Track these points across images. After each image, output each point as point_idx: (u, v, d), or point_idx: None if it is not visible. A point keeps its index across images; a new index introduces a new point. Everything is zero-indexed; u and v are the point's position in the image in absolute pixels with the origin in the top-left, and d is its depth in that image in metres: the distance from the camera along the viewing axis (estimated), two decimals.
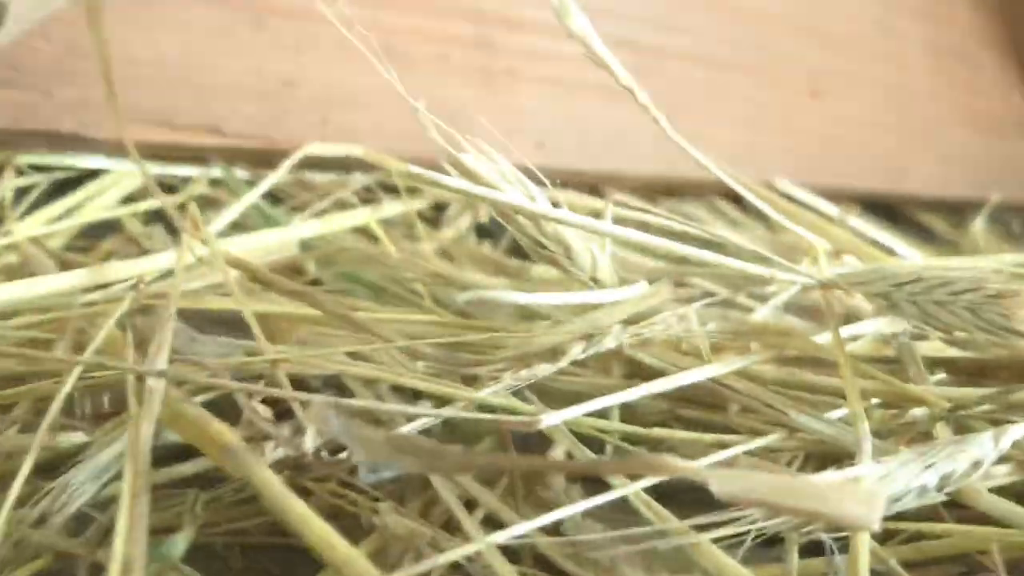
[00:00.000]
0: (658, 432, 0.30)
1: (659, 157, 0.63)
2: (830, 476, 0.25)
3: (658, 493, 0.28)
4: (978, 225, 0.72)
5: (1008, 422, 0.28)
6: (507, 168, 0.30)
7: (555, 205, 0.31)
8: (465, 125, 0.55)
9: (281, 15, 0.52)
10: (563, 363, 0.30)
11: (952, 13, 0.82)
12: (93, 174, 0.48)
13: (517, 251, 0.52)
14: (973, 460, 0.28)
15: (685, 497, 0.30)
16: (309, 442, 0.25)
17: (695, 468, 0.20)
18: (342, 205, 0.49)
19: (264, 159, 0.50)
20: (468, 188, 0.28)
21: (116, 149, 0.48)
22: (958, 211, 0.77)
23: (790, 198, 0.63)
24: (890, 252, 0.54)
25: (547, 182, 0.32)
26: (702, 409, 0.33)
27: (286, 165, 0.46)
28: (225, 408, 0.28)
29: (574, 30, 0.30)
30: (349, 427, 0.21)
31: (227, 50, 0.51)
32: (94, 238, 0.46)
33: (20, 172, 0.46)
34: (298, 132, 0.51)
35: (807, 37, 0.72)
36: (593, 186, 0.60)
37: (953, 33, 0.81)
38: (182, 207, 0.35)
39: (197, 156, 0.51)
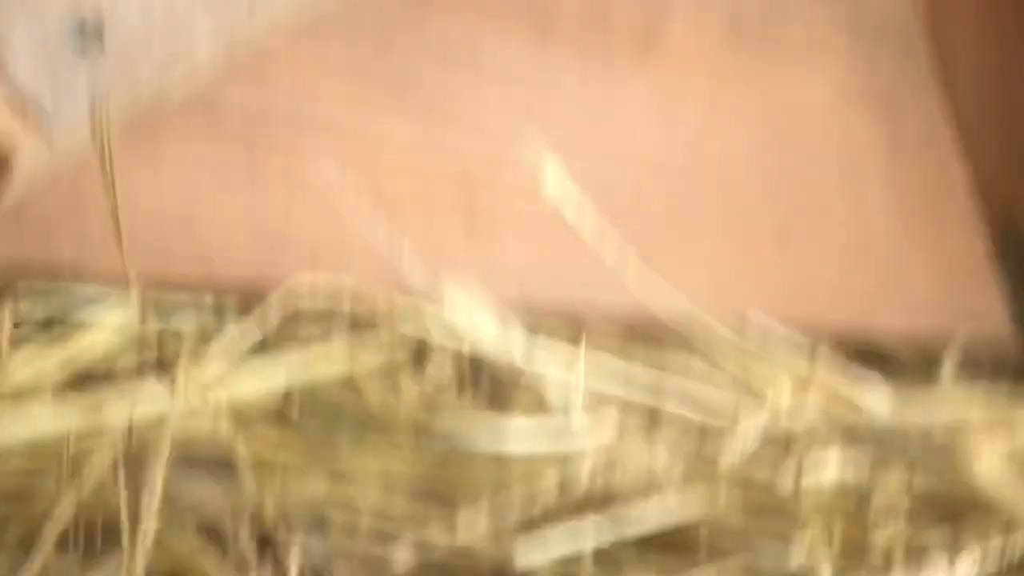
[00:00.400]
0: None
1: (635, 300, 0.65)
2: None
3: None
4: (945, 366, 0.74)
5: (963, 558, 0.30)
6: (485, 309, 0.31)
7: (532, 342, 0.33)
8: (447, 265, 0.57)
9: (275, 169, 0.55)
10: (537, 505, 0.32)
11: (916, 159, 0.86)
12: (88, 320, 0.49)
13: (497, 400, 0.53)
14: None
15: None
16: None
17: None
18: (326, 354, 0.51)
19: (255, 295, 0.51)
20: (452, 337, 0.30)
21: (111, 292, 0.49)
22: (927, 350, 0.79)
23: (762, 333, 0.65)
24: (858, 387, 0.56)
25: (524, 325, 0.34)
26: (671, 550, 0.34)
27: (273, 306, 0.48)
28: (214, 544, 0.29)
29: (547, 178, 0.33)
30: (332, 560, 0.22)
31: (223, 201, 0.53)
32: (89, 384, 0.47)
33: (16, 323, 0.48)
34: (289, 273, 0.52)
35: (774, 191, 0.75)
36: (570, 329, 0.62)
37: (915, 186, 0.85)
38: (177, 353, 0.37)
39: (191, 290, 0.52)
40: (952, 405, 0.51)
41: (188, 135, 0.53)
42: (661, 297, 0.57)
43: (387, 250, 0.56)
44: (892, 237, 0.81)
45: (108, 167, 0.35)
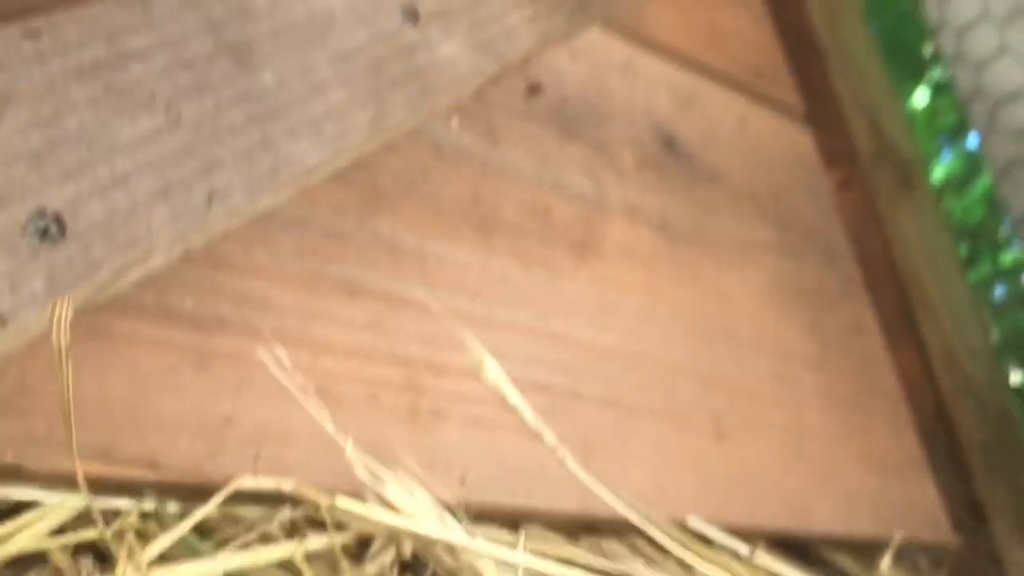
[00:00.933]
0: None
1: (577, 495, 0.66)
2: None
3: None
4: (885, 564, 0.75)
5: None
6: (427, 501, 0.33)
7: (472, 537, 0.34)
8: (391, 461, 0.58)
9: (224, 358, 0.56)
10: None
11: (843, 365, 0.90)
12: (20, 508, 0.49)
13: None
14: None
15: None
16: None
17: None
18: (268, 539, 0.51)
19: (197, 493, 0.51)
20: (389, 519, 0.31)
21: (52, 481, 0.50)
22: (865, 549, 0.80)
23: (701, 536, 0.66)
24: None
25: (466, 518, 0.35)
26: None
27: (217, 498, 0.48)
28: None
29: (488, 380, 0.35)
30: None
31: (170, 389, 0.54)
32: (20, 569, 0.47)
33: None
34: (231, 467, 0.53)
35: (711, 385, 0.78)
36: (513, 521, 0.63)
37: (845, 383, 0.89)
38: (117, 537, 0.37)
39: (132, 489, 0.53)
40: None
41: (139, 317, 0.54)
42: (602, 493, 0.58)
43: (331, 442, 0.57)
44: (826, 433, 0.83)
45: (63, 364, 0.36)
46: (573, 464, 0.35)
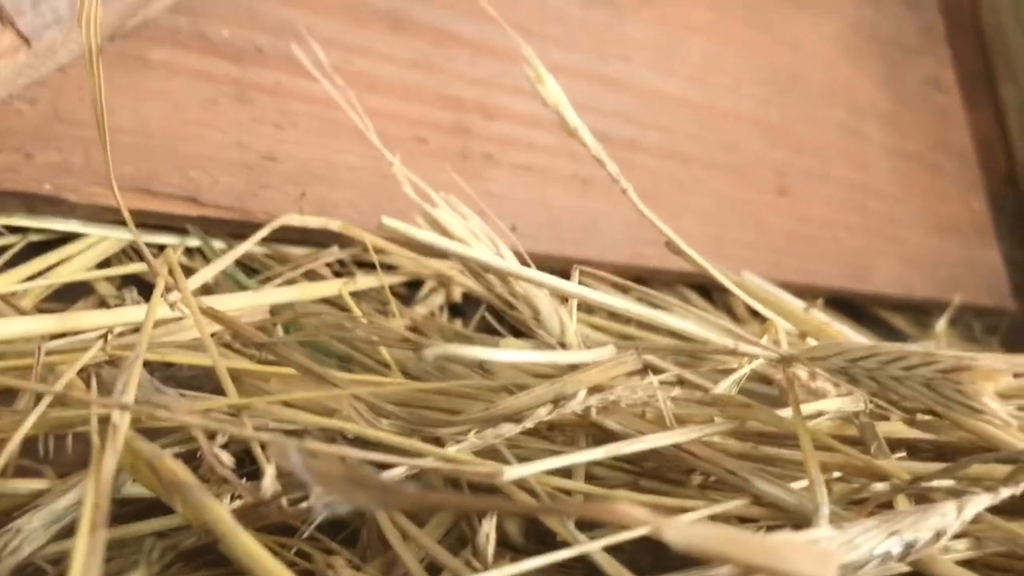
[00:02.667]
0: (621, 494, 0.30)
1: (629, 246, 0.64)
2: (788, 536, 0.26)
3: (616, 559, 0.28)
4: (940, 326, 0.73)
5: (968, 494, 0.29)
6: (478, 226, 0.30)
7: (527, 269, 0.32)
8: (431, 208, 0.56)
9: (264, 91, 0.53)
10: (528, 424, 0.31)
11: (915, 120, 0.85)
12: (68, 238, 0.48)
13: (488, 331, 0.53)
14: (935, 530, 0.28)
15: (642, 561, 0.30)
16: (268, 485, 0.25)
17: (652, 517, 0.20)
18: (315, 277, 0.50)
19: (241, 230, 0.50)
20: (439, 242, 0.29)
21: (92, 213, 0.48)
22: (921, 311, 0.78)
23: (756, 292, 0.64)
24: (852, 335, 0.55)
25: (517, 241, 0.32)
26: (665, 481, 0.34)
27: (260, 233, 0.47)
28: (190, 464, 0.28)
29: (547, 99, 0.31)
30: (307, 461, 0.21)
31: (210, 122, 0.51)
32: (66, 300, 0.46)
33: None
34: (276, 205, 0.52)
35: (775, 138, 0.74)
36: (564, 271, 0.61)
37: (916, 140, 0.84)
38: (162, 269, 0.35)
39: (174, 225, 0.51)
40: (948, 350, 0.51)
41: (175, 48, 0.51)
42: (657, 245, 0.56)
43: (378, 182, 0.55)
44: (891, 191, 0.80)
45: (96, 75, 0.33)
46: (635, 197, 0.33)
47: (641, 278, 0.66)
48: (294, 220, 0.50)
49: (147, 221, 0.50)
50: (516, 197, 0.62)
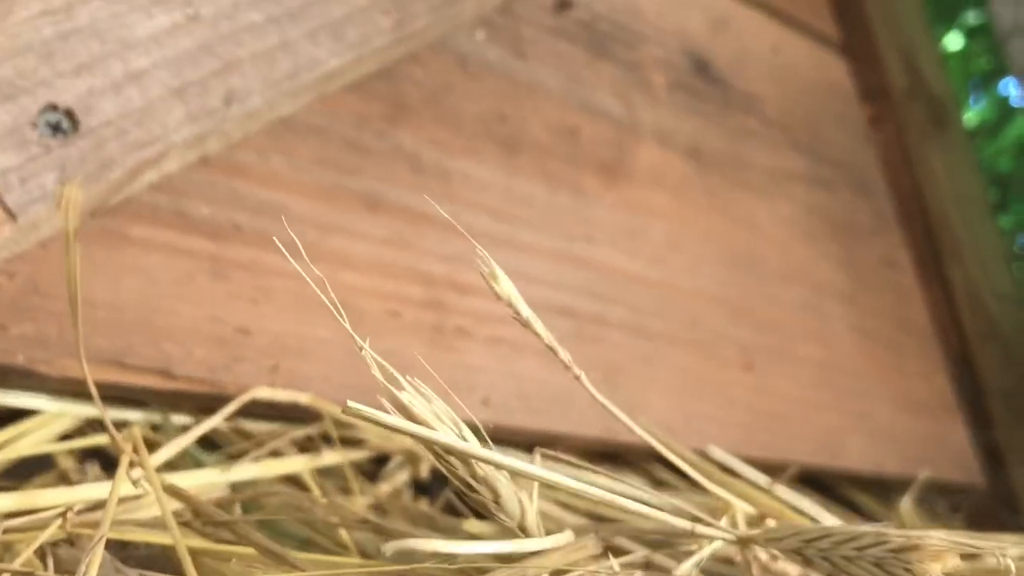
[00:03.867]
0: None
1: (599, 420, 0.64)
2: None
3: None
4: (905, 503, 0.74)
5: None
6: (442, 409, 0.31)
7: (492, 453, 0.32)
8: (412, 378, 0.56)
9: (241, 267, 0.54)
10: None
11: (875, 299, 0.88)
12: (26, 413, 0.48)
13: (453, 510, 0.53)
14: None
15: None
16: None
17: None
18: (278, 454, 0.50)
19: (212, 404, 0.50)
20: (401, 425, 0.30)
21: (63, 385, 0.48)
22: (887, 489, 0.79)
23: (722, 466, 0.64)
24: (814, 521, 0.55)
25: (485, 437, 0.33)
26: None
27: (228, 408, 0.47)
28: None
29: (500, 293, 0.33)
30: None
31: (186, 296, 0.52)
32: (25, 476, 0.46)
33: None
34: (248, 378, 0.52)
35: (738, 315, 0.76)
36: (534, 445, 0.61)
37: (876, 318, 0.86)
38: (125, 443, 0.36)
39: (144, 398, 0.51)
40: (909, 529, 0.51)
41: (154, 224, 0.52)
42: (618, 414, 0.57)
43: (349, 358, 0.56)
44: (857, 368, 0.81)
45: (71, 251, 0.34)
46: (588, 384, 0.34)
47: (613, 453, 0.67)
48: (264, 393, 0.51)
49: (117, 394, 0.50)
50: (489, 369, 0.62)
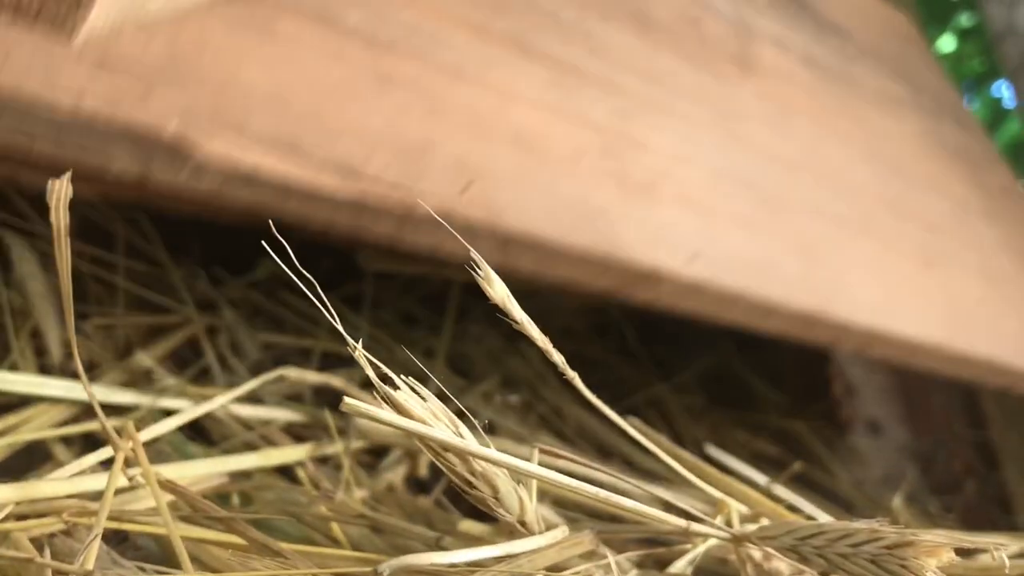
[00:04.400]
0: None
1: (809, 294, 0.60)
2: None
3: None
4: (896, 502, 0.74)
5: None
6: (438, 407, 0.31)
7: (489, 448, 0.32)
8: (606, 228, 0.52)
9: (407, 82, 0.49)
10: None
11: (1013, 226, 0.86)
12: (24, 402, 0.48)
13: (456, 499, 0.52)
14: None
15: None
16: None
17: None
18: (272, 442, 0.50)
19: (401, 224, 0.44)
20: (399, 421, 0.30)
21: (223, 172, 0.39)
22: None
23: (719, 465, 0.64)
24: (810, 519, 0.55)
25: (480, 429, 0.33)
26: None
27: (216, 401, 0.46)
28: None
29: (494, 296, 0.33)
30: None
31: (352, 98, 0.45)
32: (23, 467, 0.46)
33: None
34: (440, 193, 0.45)
35: (905, 217, 0.74)
36: (743, 320, 0.57)
37: (1019, 240, 0.85)
38: (119, 431, 0.36)
39: (325, 200, 0.42)
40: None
41: (300, 18, 0.45)
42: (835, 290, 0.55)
43: (539, 181, 0.50)
44: (1015, 280, 0.79)
45: (62, 245, 0.33)
46: (580, 384, 0.34)
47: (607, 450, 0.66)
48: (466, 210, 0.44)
49: (290, 213, 0.41)
50: (688, 226, 0.57)
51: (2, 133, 0.35)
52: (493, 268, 0.33)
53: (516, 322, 0.33)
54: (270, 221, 0.31)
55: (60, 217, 0.34)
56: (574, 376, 0.35)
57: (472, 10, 0.55)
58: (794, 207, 0.65)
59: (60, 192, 0.33)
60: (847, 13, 0.92)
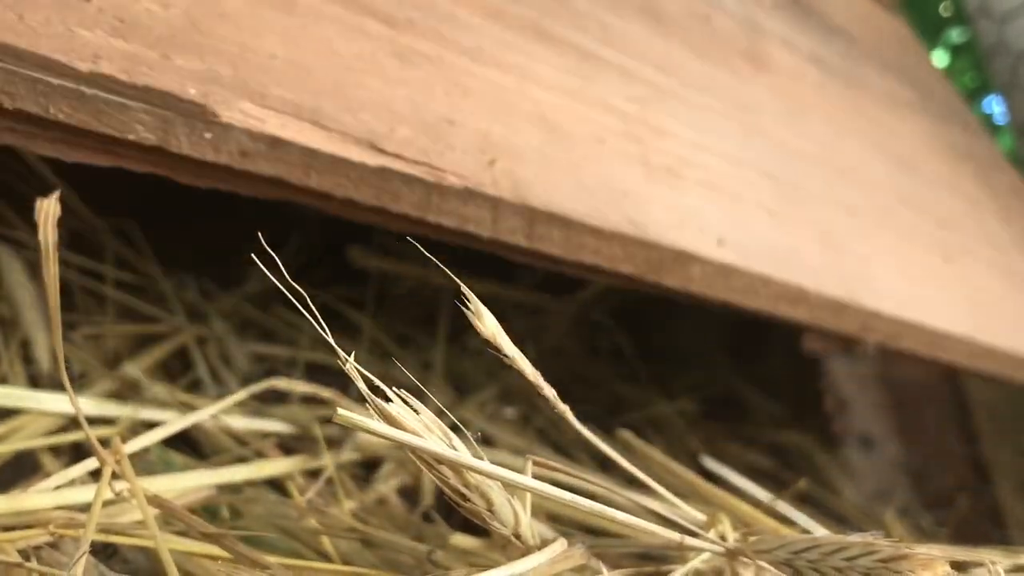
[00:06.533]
0: None
1: (837, 282, 0.59)
2: None
3: None
4: (889, 516, 0.74)
5: None
6: (431, 419, 0.31)
7: (482, 460, 0.32)
8: (632, 209, 0.52)
9: (428, 59, 0.49)
10: None
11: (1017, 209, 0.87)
12: (12, 412, 0.47)
13: (447, 510, 0.52)
14: None
15: None
16: None
17: None
18: (262, 454, 0.49)
19: (427, 198, 0.43)
20: (392, 433, 0.29)
21: (244, 139, 0.38)
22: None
23: (715, 478, 0.64)
24: (806, 533, 0.55)
25: (473, 440, 0.33)
26: None
27: (207, 410, 0.46)
28: None
29: (483, 331, 0.33)
30: None
31: (373, 73, 0.45)
32: (9, 479, 0.45)
33: None
34: (465, 169, 0.44)
35: (922, 212, 0.74)
36: (771, 307, 0.56)
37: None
38: (105, 443, 0.35)
39: (346, 170, 0.41)
40: None
41: None
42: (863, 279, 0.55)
43: (563, 162, 0.50)
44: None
45: (50, 262, 0.33)
46: (571, 417, 0.33)
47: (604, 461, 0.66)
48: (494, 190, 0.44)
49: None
50: (713, 210, 0.57)
51: (18, 96, 0.34)
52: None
53: (507, 356, 0.33)
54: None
55: (48, 234, 0.33)
56: (565, 410, 0.34)
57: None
58: (815, 198, 0.65)
59: (48, 210, 0.33)
60: (850, 19, 0.93)
